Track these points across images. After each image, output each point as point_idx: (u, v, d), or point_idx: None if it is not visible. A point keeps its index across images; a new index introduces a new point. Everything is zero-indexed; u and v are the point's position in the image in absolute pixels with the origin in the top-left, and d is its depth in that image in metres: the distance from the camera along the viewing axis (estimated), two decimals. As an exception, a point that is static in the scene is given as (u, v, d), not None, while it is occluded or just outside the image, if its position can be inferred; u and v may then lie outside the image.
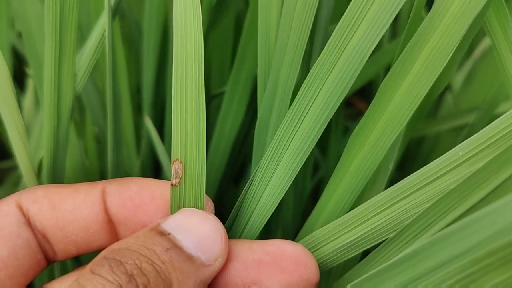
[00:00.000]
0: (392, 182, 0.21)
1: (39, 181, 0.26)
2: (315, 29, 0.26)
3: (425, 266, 0.18)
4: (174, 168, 0.20)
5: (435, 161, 0.20)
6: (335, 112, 0.40)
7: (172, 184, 0.21)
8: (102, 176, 0.35)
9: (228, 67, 0.36)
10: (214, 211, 0.22)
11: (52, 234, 0.22)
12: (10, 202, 0.22)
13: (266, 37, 0.25)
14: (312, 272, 0.21)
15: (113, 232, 0.23)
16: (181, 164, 0.20)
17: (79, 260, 0.34)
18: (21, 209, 0.22)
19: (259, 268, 0.20)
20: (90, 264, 0.18)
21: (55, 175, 0.26)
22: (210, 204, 0.22)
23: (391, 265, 0.19)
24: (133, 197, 0.22)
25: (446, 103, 0.45)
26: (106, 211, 0.22)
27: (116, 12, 0.23)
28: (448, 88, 0.42)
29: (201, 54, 0.20)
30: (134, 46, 0.37)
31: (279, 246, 0.21)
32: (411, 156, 0.46)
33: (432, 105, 0.45)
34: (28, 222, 0.22)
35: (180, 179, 0.21)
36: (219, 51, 0.36)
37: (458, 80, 0.43)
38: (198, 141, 0.21)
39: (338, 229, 0.22)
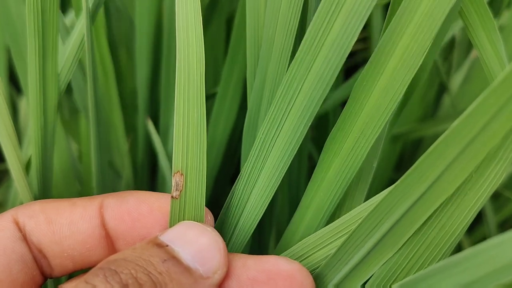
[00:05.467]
0: (390, 182, 0.21)
1: (28, 181, 0.26)
2: (304, 25, 0.26)
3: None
4: (175, 181, 0.20)
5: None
6: (332, 113, 0.40)
7: (172, 197, 0.21)
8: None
9: (220, 68, 0.36)
10: (213, 224, 0.22)
11: (48, 249, 0.22)
12: (7, 217, 0.22)
13: (254, 34, 0.24)
14: None
15: (111, 247, 0.22)
16: (182, 176, 0.20)
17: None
18: (17, 224, 0.22)
19: (253, 287, 0.20)
20: (85, 275, 0.18)
21: (44, 174, 0.26)
22: (209, 217, 0.22)
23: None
24: (131, 210, 0.22)
25: (444, 104, 0.44)
26: (103, 225, 0.22)
27: (97, 9, 0.23)
28: (446, 89, 0.42)
29: (203, 69, 0.20)
30: (130, 45, 0.37)
31: (275, 264, 0.20)
32: (409, 156, 0.46)
33: (431, 106, 0.45)
34: (24, 237, 0.22)
35: (180, 192, 0.21)
36: (211, 51, 0.36)
37: (456, 81, 0.42)
38: (199, 153, 0.21)
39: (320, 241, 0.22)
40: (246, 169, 0.22)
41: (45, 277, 0.23)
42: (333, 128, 0.21)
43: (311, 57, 0.19)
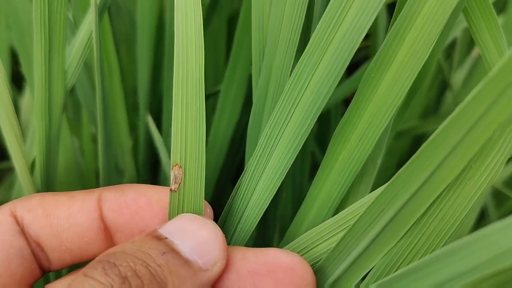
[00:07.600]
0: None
1: (33, 179, 0.26)
2: (310, 22, 0.26)
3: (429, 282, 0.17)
4: (173, 173, 0.20)
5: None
6: (334, 111, 0.40)
7: (171, 190, 0.21)
8: (98, 175, 0.35)
9: (222, 66, 0.36)
10: (212, 217, 0.22)
11: (46, 242, 0.22)
12: (4, 211, 0.22)
13: (260, 32, 0.24)
14: (308, 284, 0.20)
15: (109, 240, 0.22)
16: (181, 169, 0.20)
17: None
18: (15, 217, 0.22)
19: (253, 280, 0.20)
20: (84, 268, 0.18)
21: (48, 173, 0.26)
22: (208, 210, 0.22)
23: (391, 280, 0.19)
24: (130, 203, 0.22)
25: (446, 101, 0.44)
26: (102, 218, 0.22)
27: (104, 8, 0.23)
28: (448, 86, 0.42)
29: (202, 60, 0.20)
30: (130, 42, 0.37)
31: (275, 256, 0.20)
32: (411, 154, 0.46)
33: (433, 104, 0.45)
34: (22, 231, 0.22)
35: (179, 185, 0.20)
36: (213, 49, 0.36)
37: (458, 78, 0.43)
38: (198, 146, 0.20)
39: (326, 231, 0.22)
40: (251, 163, 0.22)
41: (43, 270, 0.23)
42: (341, 120, 0.21)
43: (320, 52, 0.19)
